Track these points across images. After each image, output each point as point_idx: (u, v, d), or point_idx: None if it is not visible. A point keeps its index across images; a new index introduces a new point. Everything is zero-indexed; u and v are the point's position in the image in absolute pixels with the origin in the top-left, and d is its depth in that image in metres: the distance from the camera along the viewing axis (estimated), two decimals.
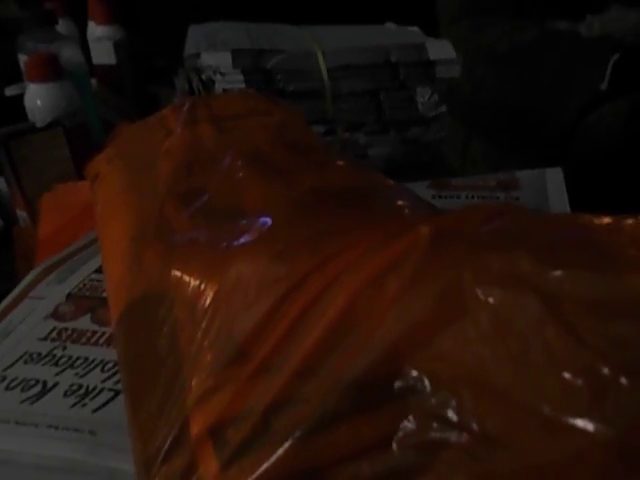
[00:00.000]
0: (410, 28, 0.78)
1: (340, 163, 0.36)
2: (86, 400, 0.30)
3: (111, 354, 0.33)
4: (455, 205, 0.41)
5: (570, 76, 0.95)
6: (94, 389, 0.30)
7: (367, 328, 0.19)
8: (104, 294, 0.38)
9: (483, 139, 1.11)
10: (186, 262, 0.25)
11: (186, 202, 0.31)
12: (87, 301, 0.37)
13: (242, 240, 0.25)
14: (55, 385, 0.31)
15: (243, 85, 0.67)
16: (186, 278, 0.24)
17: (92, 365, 0.32)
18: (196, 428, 0.21)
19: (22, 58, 0.66)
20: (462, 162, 1.10)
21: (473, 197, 0.42)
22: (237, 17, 0.78)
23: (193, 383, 0.22)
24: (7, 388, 0.31)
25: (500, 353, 0.16)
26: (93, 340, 0.34)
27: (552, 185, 0.41)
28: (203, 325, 0.23)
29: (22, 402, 0.30)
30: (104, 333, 0.34)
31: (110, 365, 0.32)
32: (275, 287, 0.22)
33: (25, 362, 0.33)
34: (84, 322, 0.36)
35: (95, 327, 0.35)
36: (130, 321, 0.28)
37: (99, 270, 0.40)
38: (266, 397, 0.20)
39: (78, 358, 0.33)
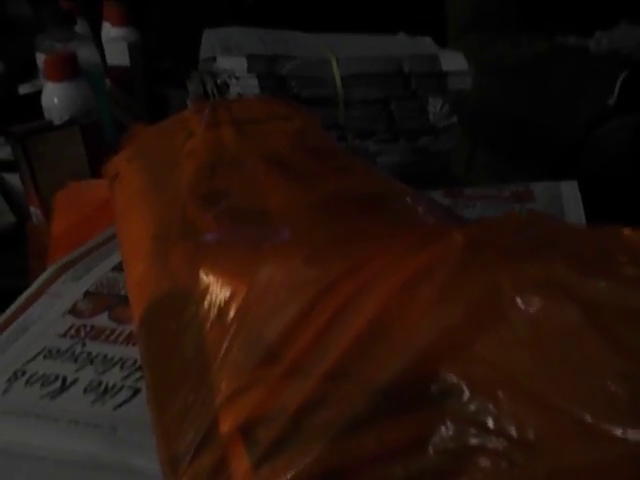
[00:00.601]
0: (423, 39, 0.79)
1: (360, 168, 0.36)
2: (106, 397, 0.30)
3: (130, 352, 0.33)
4: (472, 215, 0.42)
5: (578, 91, 0.95)
6: (114, 387, 0.31)
7: (400, 332, 0.20)
8: (122, 292, 0.38)
9: (487, 150, 1.11)
10: (215, 262, 0.25)
11: (209, 203, 0.31)
12: (105, 299, 0.38)
13: (270, 242, 0.26)
14: (75, 381, 0.31)
15: (257, 90, 0.68)
16: (215, 278, 0.25)
17: (111, 363, 0.32)
18: (226, 427, 0.21)
19: (40, 57, 0.66)
20: (466, 172, 1.10)
21: (489, 207, 0.43)
22: (248, 23, 0.79)
23: (222, 382, 0.22)
24: (27, 383, 0.31)
25: (539, 359, 0.16)
26: (112, 338, 0.34)
27: (567, 198, 0.41)
28: (233, 326, 0.23)
29: (42, 397, 0.30)
30: (122, 331, 0.35)
31: (129, 363, 0.32)
32: (306, 290, 0.22)
33: (44, 357, 0.33)
34: (102, 319, 0.36)
35: (113, 325, 0.35)
36: (154, 320, 0.28)
37: (116, 268, 0.41)
38: (297, 398, 0.20)
39: (97, 355, 0.33)
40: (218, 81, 0.68)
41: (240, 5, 1.37)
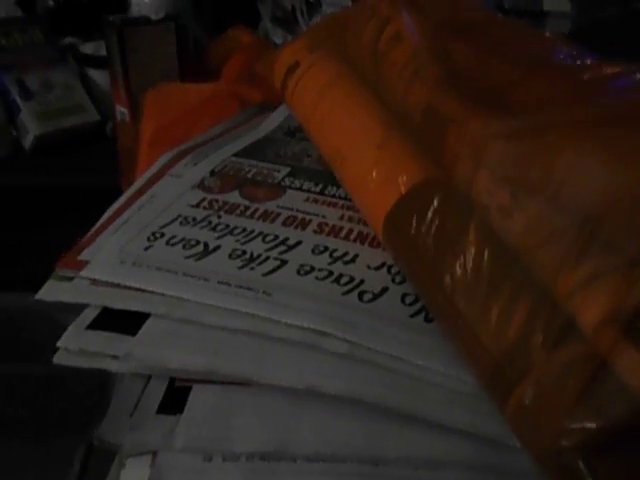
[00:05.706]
0: None
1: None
2: (253, 264, 0.29)
3: (269, 228, 0.31)
4: None
5: None
6: (259, 256, 0.29)
7: None
8: (249, 175, 0.37)
9: None
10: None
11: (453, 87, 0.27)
12: (232, 179, 0.36)
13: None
14: (217, 248, 0.30)
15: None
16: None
17: (252, 235, 0.31)
18: (589, 317, 0.18)
19: None
20: None
21: None
22: None
23: (562, 274, 0.19)
24: (167, 244, 0.30)
25: None
26: (247, 213, 0.33)
27: None
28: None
29: (187, 258, 0.29)
30: (257, 208, 0.33)
31: (270, 237, 0.31)
32: None
33: (181, 224, 0.32)
34: (233, 196, 0.34)
35: (246, 202, 0.34)
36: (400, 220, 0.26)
37: (238, 154, 0.40)
38: None
39: (236, 227, 0.32)
40: None
41: None
